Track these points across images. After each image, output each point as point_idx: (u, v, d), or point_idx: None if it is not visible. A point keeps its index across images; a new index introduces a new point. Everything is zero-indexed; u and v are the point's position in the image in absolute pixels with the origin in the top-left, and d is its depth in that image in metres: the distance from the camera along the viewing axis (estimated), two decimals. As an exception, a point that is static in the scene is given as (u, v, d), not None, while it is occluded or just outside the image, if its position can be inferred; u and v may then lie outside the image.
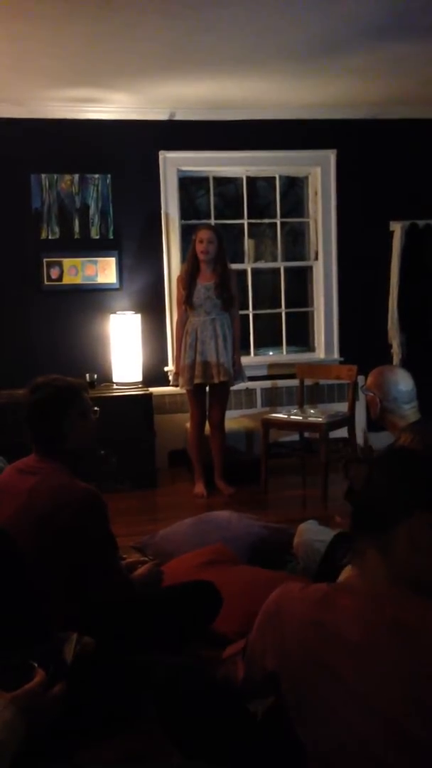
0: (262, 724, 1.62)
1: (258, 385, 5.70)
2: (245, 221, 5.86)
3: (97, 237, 5.50)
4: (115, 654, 2.17)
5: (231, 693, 1.66)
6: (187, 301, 4.84)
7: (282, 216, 5.93)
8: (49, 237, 5.41)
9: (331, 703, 1.34)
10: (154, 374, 5.55)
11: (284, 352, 6.03)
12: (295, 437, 5.38)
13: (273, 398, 5.75)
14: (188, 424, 5.12)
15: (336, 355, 5.94)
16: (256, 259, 6.07)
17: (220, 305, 4.85)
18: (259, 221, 6.02)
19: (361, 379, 4.87)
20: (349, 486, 1.48)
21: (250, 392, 5.67)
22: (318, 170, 5.86)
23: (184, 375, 4.85)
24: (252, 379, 5.48)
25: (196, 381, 4.82)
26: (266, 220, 6.03)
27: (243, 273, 5.81)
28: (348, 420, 4.98)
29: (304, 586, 1.50)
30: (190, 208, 6.02)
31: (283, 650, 1.43)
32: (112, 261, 5.51)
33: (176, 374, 4.97)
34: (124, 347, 5.36)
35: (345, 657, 1.34)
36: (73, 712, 1.63)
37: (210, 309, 4.83)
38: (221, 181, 6.00)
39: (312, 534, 3.26)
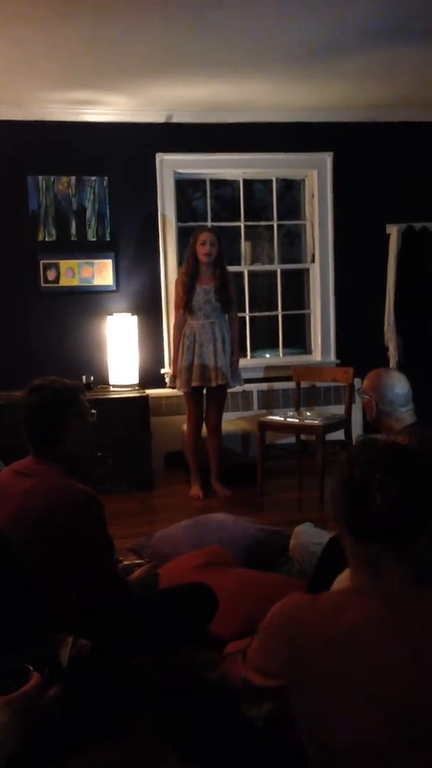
0: (260, 729, 1.61)
1: (254, 387, 5.70)
2: (242, 224, 5.87)
3: (94, 239, 5.49)
4: (112, 656, 2.17)
5: (229, 696, 1.66)
6: (186, 305, 4.84)
7: (279, 218, 5.94)
8: (46, 239, 5.41)
9: (347, 709, 1.32)
10: (150, 376, 5.54)
11: (281, 355, 6.03)
12: (292, 440, 5.39)
13: (269, 400, 5.75)
14: (185, 426, 5.12)
15: (332, 358, 5.95)
16: (253, 261, 6.07)
17: (220, 308, 4.85)
18: (255, 224, 6.03)
19: (357, 381, 4.86)
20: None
21: (246, 394, 5.68)
22: (315, 173, 5.86)
23: (182, 377, 4.85)
24: (248, 381, 5.48)
25: (194, 383, 4.82)
26: (263, 223, 6.03)
27: (239, 275, 5.81)
28: (344, 422, 4.98)
29: (315, 596, 1.47)
30: (186, 211, 6.03)
31: (297, 660, 1.40)
32: (108, 263, 5.51)
33: (173, 376, 4.97)
34: (120, 349, 5.36)
35: (362, 661, 1.33)
36: (70, 715, 1.63)
37: (209, 312, 4.83)
38: (218, 184, 6.00)
39: (308, 536, 3.27)
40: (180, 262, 5.51)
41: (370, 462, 1.42)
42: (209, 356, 4.80)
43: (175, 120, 5.53)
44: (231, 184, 5.98)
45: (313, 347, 6.06)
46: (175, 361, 4.94)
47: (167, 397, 5.47)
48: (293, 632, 1.42)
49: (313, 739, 1.39)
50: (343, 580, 2.12)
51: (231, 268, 5.17)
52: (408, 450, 1.46)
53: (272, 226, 5.94)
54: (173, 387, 5.01)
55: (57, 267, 5.43)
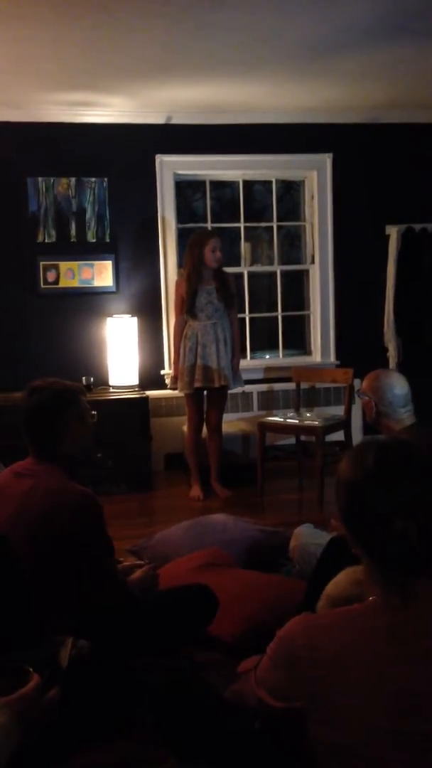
0: (259, 731, 1.61)
1: (254, 388, 5.70)
2: (242, 225, 5.87)
3: (94, 240, 5.50)
4: (111, 657, 2.17)
5: (226, 699, 1.65)
6: (190, 309, 4.82)
7: (278, 220, 5.94)
8: (46, 240, 5.41)
9: (367, 723, 1.31)
10: (150, 377, 5.54)
11: (281, 356, 6.03)
12: (292, 440, 5.38)
13: (269, 401, 5.75)
14: (185, 427, 5.12)
15: (332, 359, 5.95)
16: (253, 262, 6.07)
17: (222, 309, 4.85)
18: (255, 225, 6.03)
19: (357, 382, 4.87)
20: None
21: (246, 395, 5.68)
22: (314, 174, 5.87)
23: (184, 378, 4.84)
24: (248, 382, 5.47)
25: (197, 384, 4.81)
26: (263, 224, 6.03)
27: (240, 276, 5.81)
28: (344, 423, 4.98)
29: (322, 614, 1.45)
30: (186, 212, 6.03)
31: (314, 681, 1.37)
32: (108, 264, 5.51)
33: (174, 378, 4.96)
34: (120, 350, 5.36)
35: (382, 671, 1.32)
36: (69, 716, 1.63)
37: (212, 313, 4.83)
38: (218, 185, 6.00)
39: (308, 537, 3.27)
40: (180, 264, 5.51)
41: (399, 502, 1.35)
42: (212, 357, 4.80)
43: (174, 121, 5.53)
44: (231, 185, 5.98)
45: (312, 348, 6.06)
46: (176, 363, 4.94)
47: (167, 398, 5.47)
48: (305, 657, 1.38)
49: (328, 752, 1.37)
50: (337, 583, 2.12)
51: (231, 270, 5.18)
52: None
53: (272, 227, 5.94)
54: (174, 389, 5.00)
55: (57, 268, 5.43)
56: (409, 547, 1.33)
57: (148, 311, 5.59)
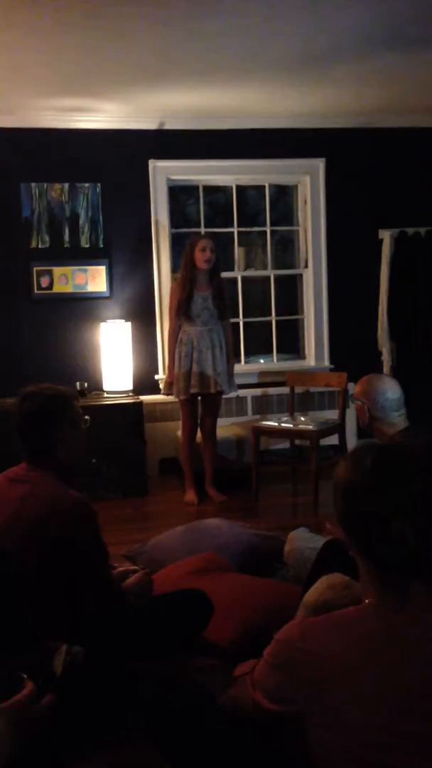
0: (253, 738, 1.60)
1: (248, 392, 5.70)
2: (235, 230, 5.88)
3: (87, 246, 5.50)
4: (106, 663, 2.17)
5: (221, 705, 1.65)
6: (186, 313, 4.82)
7: (272, 224, 5.95)
8: (39, 246, 5.41)
9: (366, 725, 1.31)
10: (144, 382, 5.54)
11: (274, 360, 6.04)
12: (286, 445, 5.39)
13: (263, 406, 5.75)
14: (179, 432, 5.12)
15: (326, 363, 5.96)
16: (246, 267, 6.09)
17: (217, 315, 4.86)
18: (249, 230, 6.04)
19: (351, 386, 4.87)
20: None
21: (240, 400, 5.68)
22: (307, 179, 5.88)
23: (179, 384, 4.83)
24: (242, 387, 5.47)
25: (193, 390, 4.80)
26: (256, 229, 6.04)
27: (233, 281, 5.82)
28: (338, 427, 4.99)
29: (320, 619, 1.45)
30: (179, 217, 6.04)
31: (313, 685, 1.37)
32: (102, 269, 5.51)
33: (169, 383, 4.94)
34: (114, 356, 5.36)
35: (379, 674, 1.32)
36: (63, 722, 1.62)
37: (207, 319, 4.83)
38: (211, 190, 6.01)
39: (303, 541, 3.27)
40: (174, 269, 5.51)
41: (397, 503, 1.36)
42: (207, 363, 4.80)
43: (167, 127, 5.54)
44: (224, 190, 5.99)
45: (306, 352, 6.07)
46: (170, 369, 4.93)
47: (161, 404, 5.47)
48: (303, 660, 1.38)
49: (326, 754, 1.37)
50: (311, 591, 2.12)
51: (225, 274, 5.18)
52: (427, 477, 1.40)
53: (265, 232, 5.95)
54: (168, 394, 4.99)
55: (50, 274, 5.43)
56: (407, 549, 1.34)
57: (141, 316, 5.59)
